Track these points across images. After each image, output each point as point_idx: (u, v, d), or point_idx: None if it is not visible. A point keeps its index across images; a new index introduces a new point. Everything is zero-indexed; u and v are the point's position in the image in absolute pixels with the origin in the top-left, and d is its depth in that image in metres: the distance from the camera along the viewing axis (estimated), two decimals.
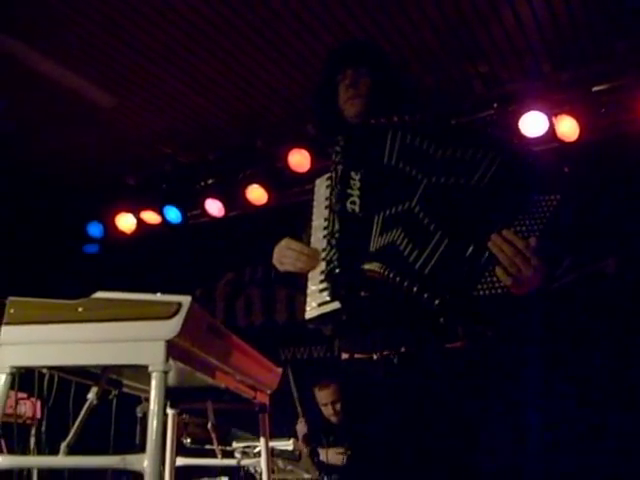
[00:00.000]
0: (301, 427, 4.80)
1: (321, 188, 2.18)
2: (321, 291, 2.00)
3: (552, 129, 5.04)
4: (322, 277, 2.01)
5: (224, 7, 4.44)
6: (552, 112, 5.01)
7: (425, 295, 1.82)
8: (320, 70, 4.85)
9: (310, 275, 2.07)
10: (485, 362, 2.07)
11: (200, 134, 5.97)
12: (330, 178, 2.10)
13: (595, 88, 4.97)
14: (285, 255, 2.13)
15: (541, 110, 5.01)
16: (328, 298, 1.97)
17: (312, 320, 2.02)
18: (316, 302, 2.00)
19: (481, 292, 1.79)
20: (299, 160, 5.80)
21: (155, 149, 6.13)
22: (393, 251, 1.88)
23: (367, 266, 1.90)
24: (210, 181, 6.36)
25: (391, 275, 1.86)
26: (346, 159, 2.05)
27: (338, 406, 4.92)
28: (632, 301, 4.52)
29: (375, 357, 2.07)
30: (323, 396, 4.99)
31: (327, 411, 4.98)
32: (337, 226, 1.98)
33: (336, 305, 1.96)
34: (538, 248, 1.80)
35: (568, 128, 5.01)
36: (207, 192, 6.35)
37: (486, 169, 1.90)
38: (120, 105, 5.50)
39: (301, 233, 2.27)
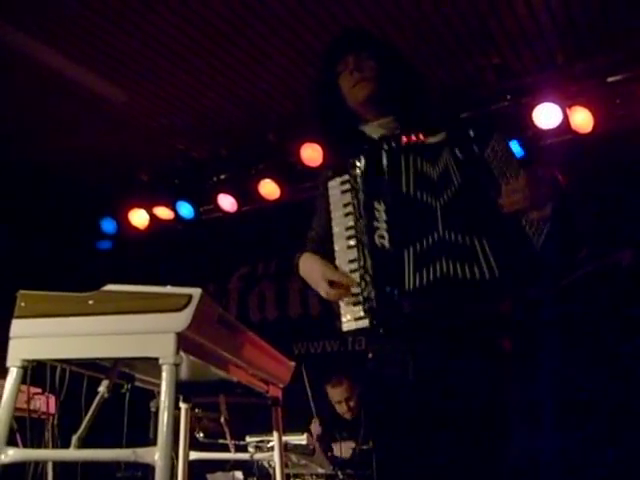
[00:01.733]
0: (315, 427, 4.78)
1: (336, 192, 2.13)
2: (355, 304, 2.01)
3: (566, 121, 4.99)
4: (357, 292, 2.02)
5: (236, 2, 4.44)
6: (566, 103, 4.97)
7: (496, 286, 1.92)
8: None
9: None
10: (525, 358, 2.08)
11: (212, 129, 5.96)
12: (349, 190, 2.08)
13: (610, 79, 4.92)
14: (319, 286, 2.12)
15: (555, 102, 4.96)
16: (362, 314, 2.00)
17: (349, 333, 2.03)
18: (352, 316, 2.02)
19: (538, 243, 1.88)
20: (311, 154, 5.78)
21: (167, 145, 6.13)
22: (446, 280, 1.91)
23: (407, 304, 1.96)
24: (222, 176, 6.36)
25: (441, 302, 1.95)
26: (366, 186, 2.05)
27: (352, 403, 4.90)
28: None
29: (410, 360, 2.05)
30: (336, 394, 4.97)
31: (341, 408, 4.96)
32: (369, 262, 2.00)
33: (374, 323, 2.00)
34: (525, 175, 1.91)
35: (582, 120, 4.96)
36: (219, 187, 6.35)
37: (453, 168, 1.99)
38: (132, 100, 5.50)
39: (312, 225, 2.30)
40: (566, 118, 4.98)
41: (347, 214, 2.08)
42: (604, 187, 4.92)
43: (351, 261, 2.05)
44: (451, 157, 1.99)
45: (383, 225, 1.99)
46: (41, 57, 4.89)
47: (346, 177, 2.09)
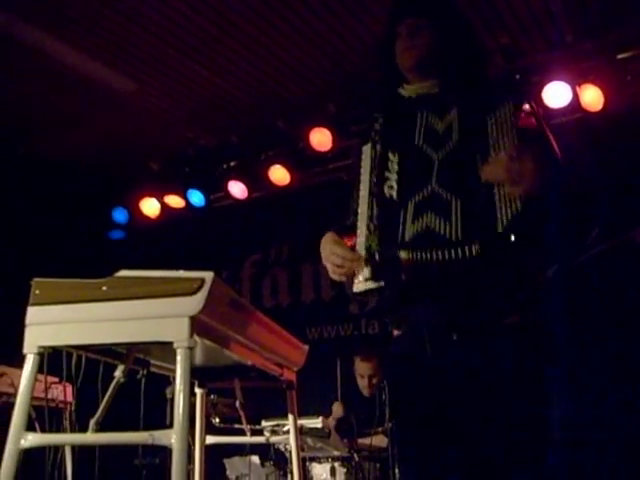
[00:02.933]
0: (338, 409, 4.82)
1: (367, 157, 2.18)
2: (366, 265, 2.03)
3: (576, 99, 4.95)
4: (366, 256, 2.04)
5: None
6: (576, 82, 4.93)
7: (461, 251, 1.88)
8: (338, 49, 4.91)
9: (357, 248, 2.09)
10: (541, 341, 2.05)
11: (221, 116, 5.97)
12: (372, 159, 2.12)
13: (620, 55, 4.88)
14: (328, 260, 2.13)
15: (564, 80, 4.92)
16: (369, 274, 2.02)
17: (359, 294, 2.05)
18: (363, 276, 2.03)
19: (504, 221, 1.85)
20: (321, 139, 5.78)
21: (177, 133, 6.15)
22: (429, 235, 1.94)
23: (403, 255, 1.95)
24: (232, 163, 6.37)
25: (426, 257, 1.92)
26: (385, 137, 2.09)
27: (375, 380, 4.93)
28: None
29: (426, 335, 2.05)
30: (363, 367, 5.00)
31: (362, 382, 5.00)
32: (376, 212, 2.04)
33: (381, 282, 2.00)
34: (514, 147, 1.88)
35: (593, 98, 4.92)
36: (230, 174, 6.36)
37: (457, 122, 2.02)
38: (140, 90, 5.51)
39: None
40: (576, 96, 4.94)
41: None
42: (614, 166, 4.88)
43: (365, 233, 2.07)
44: (457, 116, 2.02)
45: (394, 176, 2.04)
46: (50, 48, 4.90)
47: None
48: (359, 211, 2.13)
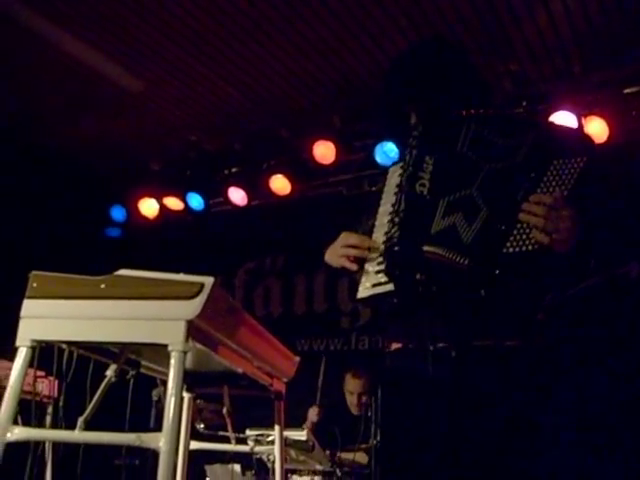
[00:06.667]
0: (312, 413, 4.80)
1: (393, 176, 2.18)
2: (377, 272, 2.03)
3: (581, 130, 4.98)
4: (380, 259, 2.03)
5: None
6: (582, 112, 4.96)
7: (459, 260, 1.90)
8: (346, 62, 4.91)
9: (368, 257, 2.08)
10: (541, 362, 2.06)
11: (226, 122, 5.98)
12: (403, 167, 2.10)
13: (626, 90, 4.92)
14: (340, 252, 2.12)
15: (571, 110, 4.95)
16: (383, 280, 2.01)
17: (363, 300, 2.05)
18: (370, 283, 2.03)
19: (510, 249, 1.86)
20: (324, 152, 5.79)
21: (180, 136, 6.15)
22: (452, 234, 1.94)
23: (427, 247, 1.95)
24: (234, 169, 6.38)
25: (448, 256, 1.92)
26: (422, 144, 2.08)
27: (364, 399, 4.91)
28: None
29: (431, 348, 2.05)
30: (354, 384, 4.99)
31: (351, 399, 4.98)
32: (403, 206, 2.02)
33: (389, 287, 2.00)
34: (566, 198, 1.86)
35: (597, 129, 4.95)
36: (230, 180, 6.36)
37: (525, 147, 1.97)
38: (147, 90, 5.52)
39: (357, 226, 2.28)
40: (581, 127, 4.97)
41: (395, 193, 2.09)
42: (614, 199, 4.89)
43: (386, 233, 2.05)
44: (530, 142, 1.97)
45: (427, 176, 2.02)
46: (60, 43, 4.91)
47: (405, 164, 2.10)
48: (376, 223, 2.12)
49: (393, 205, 2.06)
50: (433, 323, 2.06)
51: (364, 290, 2.04)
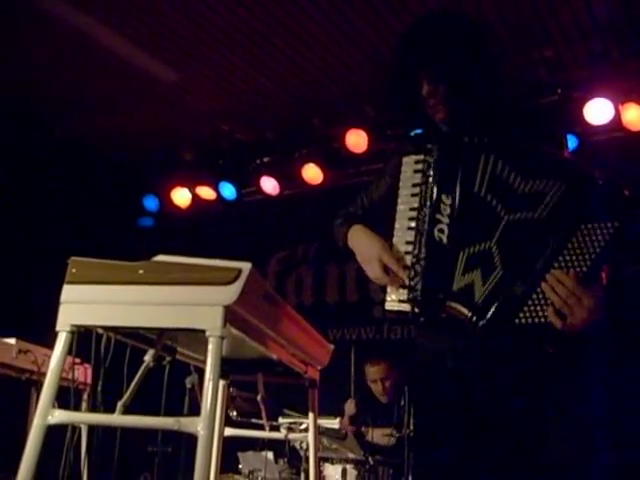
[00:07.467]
0: (350, 406, 4.82)
1: (408, 170, 2.09)
2: (403, 287, 2.01)
3: (618, 117, 4.91)
4: (406, 275, 2.02)
5: None
6: (619, 100, 4.88)
7: (474, 318, 1.90)
8: (379, 50, 4.89)
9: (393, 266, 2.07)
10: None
11: (258, 112, 5.98)
12: (421, 171, 2.05)
13: None
14: (370, 265, 2.10)
15: (607, 97, 4.88)
16: (407, 298, 2.01)
17: (391, 312, 2.04)
18: (397, 296, 2.02)
19: (522, 320, 1.84)
20: (356, 141, 5.78)
21: (213, 125, 6.17)
22: (469, 291, 1.93)
23: (451, 304, 1.95)
24: (266, 159, 6.38)
25: (466, 315, 1.92)
26: (439, 177, 2.01)
27: (388, 383, 4.92)
28: None
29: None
30: (374, 372, 5.00)
31: (376, 388, 4.99)
32: (424, 253, 1.98)
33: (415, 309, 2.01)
34: (590, 269, 1.81)
35: (634, 117, 4.87)
36: (263, 170, 6.37)
37: (550, 199, 1.89)
38: (181, 80, 5.54)
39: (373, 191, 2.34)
40: (618, 114, 4.89)
41: (414, 194, 2.05)
42: None
43: (408, 243, 2.03)
44: (559, 193, 1.89)
45: (445, 219, 1.98)
46: (94, 34, 4.94)
47: (421, 157, 2.05)
48: (396, 226, 2.08)
49: (412, 243, 2.02)
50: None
51: (391, 303, 2.03)
